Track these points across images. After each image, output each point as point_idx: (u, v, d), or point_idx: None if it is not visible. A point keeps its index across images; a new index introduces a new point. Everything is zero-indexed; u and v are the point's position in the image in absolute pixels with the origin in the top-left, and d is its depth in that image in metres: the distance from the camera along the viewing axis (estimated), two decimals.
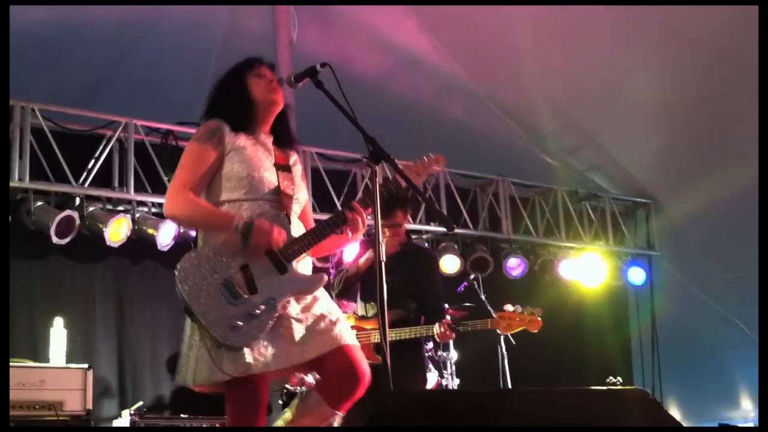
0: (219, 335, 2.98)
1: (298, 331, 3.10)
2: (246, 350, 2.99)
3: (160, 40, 7.24)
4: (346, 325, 3.24)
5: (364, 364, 3.14)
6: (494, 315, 5.20)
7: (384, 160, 2.97)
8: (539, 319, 5.03)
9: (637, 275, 9.13)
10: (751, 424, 9.15)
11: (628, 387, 5.58)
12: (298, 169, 3.41)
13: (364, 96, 7.16)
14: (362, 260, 5.12)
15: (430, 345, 6.26)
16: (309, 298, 3.20)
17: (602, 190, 9.28)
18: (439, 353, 6.40)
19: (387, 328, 2.80)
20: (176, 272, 3.05)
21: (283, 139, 3.41)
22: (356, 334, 4.84)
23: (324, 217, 3.35)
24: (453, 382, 6.41)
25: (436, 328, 4.95)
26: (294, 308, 3.14)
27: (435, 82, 8.09)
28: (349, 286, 5.17)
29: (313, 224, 3.36)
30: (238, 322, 2.99)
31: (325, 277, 3.23)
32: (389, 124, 7.14)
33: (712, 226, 8.57)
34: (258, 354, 3.00)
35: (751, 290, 8.70)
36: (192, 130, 6.73)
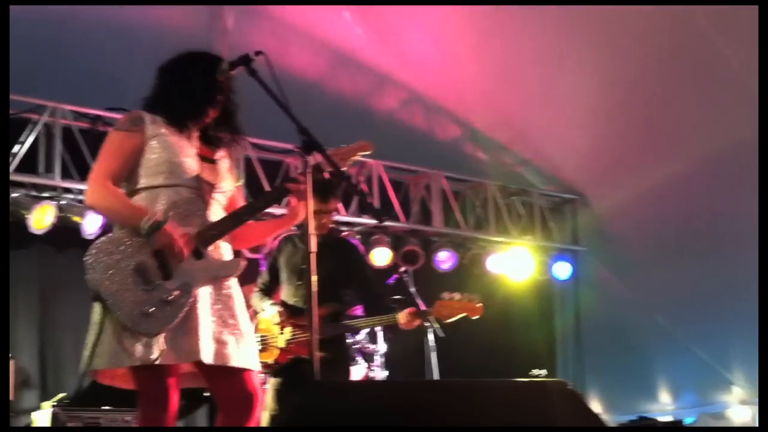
0: (130, 322, 2.91)
1: (206, 329, 3.02)
2: (154, 339, 2.92)
3: (93, 24, 7.06)
4: (252, 346, 3.17)
5: (258, 393, 3.11)
6: (424, 306, 5.21)
7: (316, 151, 2.97)
8: (479, 305, 5.01)
9: (562, 270, 9.32)
10: (669, 417, 9.43)
11: (549, 379, 5.67)
12: (224, 162, 3.34)
13: (300, 89, 7.15)
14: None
15: (360, 337, 6.28)
16: (223, 302, 3.12)
17: (531, 185, 9.43)
18: (368, 345, 6.43)
19: (315, 318, 2.80)
20: (86, 258, 2.97)
21: (214, 137, 3.32)
22: (294, 331, 4.84)
23: None
24: (381, 374, 6.45)
25: (401, 316, 4.91)
26: (206, 306, 3.07)
27: (370, 76, 8.11)
28: (275, 271, 5.11)
29: None
30: (151, 309, 2.92)
31: (243, 263, 3.16)
32: (324, 117, 7.13)
33: (635, 222, 8.81)
34: (166, 345, 2.94)
35: (672, 285, 9.01)
36: (118, 116, 6.66)
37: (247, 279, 3.56)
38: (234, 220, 3.19)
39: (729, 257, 8.24)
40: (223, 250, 3.21)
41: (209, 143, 3.31)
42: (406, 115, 8.32)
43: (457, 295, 4.97)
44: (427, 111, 8.38)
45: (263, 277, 5.14)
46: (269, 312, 4.89)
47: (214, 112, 3.25)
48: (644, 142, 7.96)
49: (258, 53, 3.06)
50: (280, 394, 4.77)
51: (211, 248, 3.12)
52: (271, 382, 4.87)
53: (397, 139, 8.14)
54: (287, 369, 4.79)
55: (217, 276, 3.11)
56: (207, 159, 3.26)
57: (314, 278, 2.86)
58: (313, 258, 2.85)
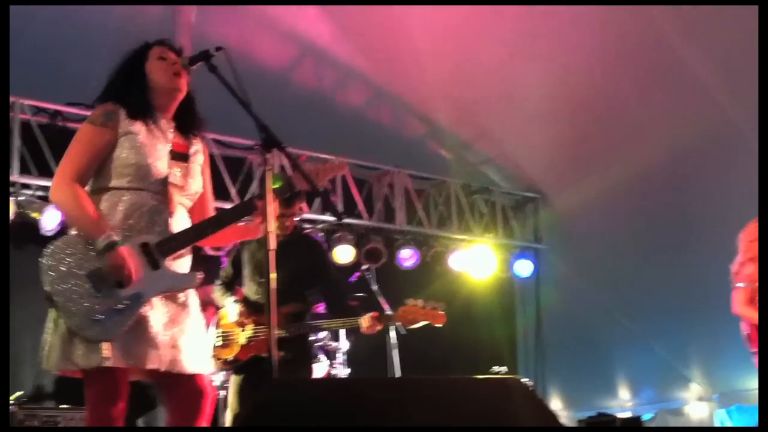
0: (77, 327, 2.89)
1: (158, 337, 3.00)
2: (101, 344, 2.89)
3: (54, 18, 6.96)
4: (204, 349, 3.17)
5: (208, 392, 3.11)
6: (386, 307, 5.24)
7: (277, 149, 2.96)
8: (442, 313, 5.05)
9: (524, 268, 9.39)
10: (628, 414, 9.55)
11: (504, 376, 5.73)
12: (198, 159, 3.31)
13: (265, 83, 7.15)
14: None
15: (322, 335, 6.28)
16: (178, 307, 3.10)
17: (494, 183, 9.49)
18: (330, 343, 6.43)
19: (274, 317, 2.80)
20: (41, 259, 2.94)
21: (187, 126, 3.30)
22: (255, 329, 4.82)
23: (218, 204, 3.29)
24: (343, 372, 6.45)
25: (364, 320, 4.91)
26: (161, 313, 3.04)
27: (336, 72, 8.09)
28: (238, 266, 5.09)
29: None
30: (99, 316, 2.90)
31: (200, 278, 3.13)
32: (289, 112, 7.12)
33: (596, 220, 8.90)
34: (113, 348, 2.90)
35: (631, 283, 9.12)
36: (83, 112, 6.58)
37: (209, 277, 3.54)
38: (196, 233, 3.16)
39: (688, 255, 8.36)
40: (183, 261, 3.18)
41: (184, 135, 3.28)
42: (370, 112, 8.33)
43: (421, 302, 5.01)
44: (391, 108, 8.39)
45: (226, 270, 5.11)
46: (231, 309, 4.87)
47: (172, 100, 3.23)
48: (605, 141, 8.04)
49: (218, 49, 3.04)
50: (242, 393, 4.76)
51: (169, 259, 3.08)
52: (233, 380, 4.86)
53: (360, 137, 8.15)
54: (248, 366, 4.78)
55: (171, 288, 3.08)
56: (180, 156, 3.22)
57: (273, 276, 2.86)
58: (272, 256, 2.85)
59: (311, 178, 3.17)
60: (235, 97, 2.95)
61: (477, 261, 9.08)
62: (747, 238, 5.83)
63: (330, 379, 6.15)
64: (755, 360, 5.65)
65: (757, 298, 5.66)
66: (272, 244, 2.86)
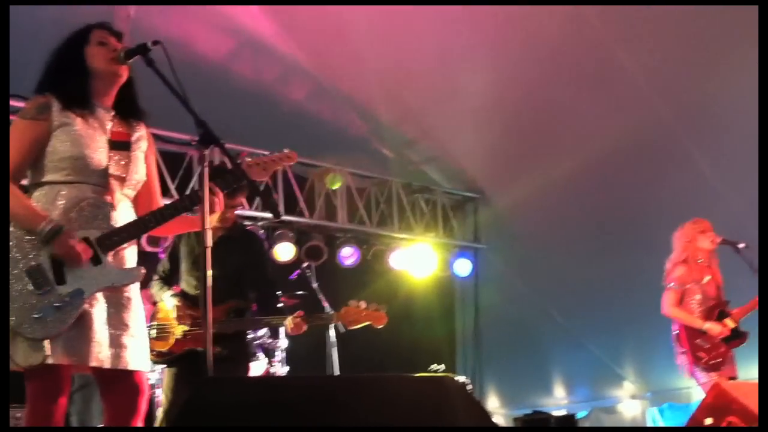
0: (16, 325, 2.83)
1: (101, 333, 2.95)
2: (43, 342, 2.84)
3: None
4: (144, 347, 3.12)
5: (144, 389, 3.09)
6: (326, 305, 5.24)
7: (214, 144, 2.93)
8: (383, 314, 5.06)
9: (463, 267, 9.47)
10: (563, 411, 9.71)
11: (439, 374, 5.79)
12: (141, 146, 3.23)
13: (205, 76, 7.07)
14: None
15: (261, 332, 6.25)
16: (121, 303, 3.06)
17: (435, 183, 9.55)
18: (269, 341, 6.40)
19: (210, 313, 2.77)
20: None
21: (128, 113, 3.22)
22: (192, 323, 4.77)
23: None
24: (282, 370, 6.43)
25: (288, 321, 4.89)
26: (103, 309, 3.00)
27: (278, 67, 8.03)
28: (176, 260, 5.04)
29: (156, 206, 3.23)
30: (39, 314, 2.84)
31: (142, 273, 3.09)
32: (229, 107, 7.05)
33: (533, 220, 9.03)
34: (55, 345, 2.85)
35: (567, 282, 9.28)
36: (16, 104, 6.40)
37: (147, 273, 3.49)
38: (139, 227, 3.11)
39: (623, 255, 8.52)
40: (126, 255, 3.13)
41: (125, 122, 3.21)
42: (312, 109, 8.29)
43: (363, 304, 5.04)
44: (333, 106, 8.37)
45: (163, 264, 5.05)
46: (168, 302, 4.82)
47: (111, 85, 3.16)
48: (543, 142, 8.15)
49: (155, 43, 2.98)
50: (176, 386, 4.72)
51: (111, 254, 3.03)
52: (167, 373, 4.81)
53: (302, 133, 8.10)
54: (182, 360, 4.73)
55: (113, 284, 3.03)
56: (121, 145, 3.15)
57: (210, 273, 2.83)
58: (208, 253, 2.82)
59: (248, 175, 3.14)
60: (173, 92, 2.91)
61: (417, 260, 9.13)
62: (683, 239, 5.96)
63: (266, 377, 6.12)
64: (682, 359, 5.80)
65: (687, 299, 5.82)
66: (209, 241, 2.83)
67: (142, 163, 3.23)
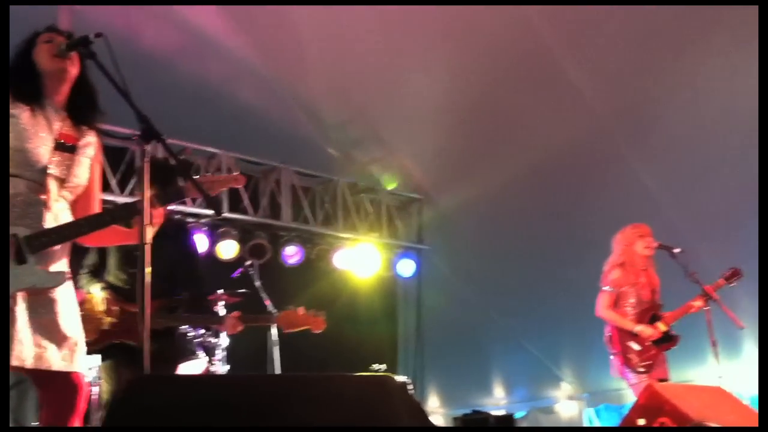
0: None
1: (23, 332, 2.90)
2: None
3: None
4: (75, 348, 3.06)
5: (82, 388, 3.05)
6: (268, 304, 5.22)
7: (156, 140, 2.90)
8: (322, 319, 5.06)
9: (406, 267, 9.51)
10: (502, 411, 9.82)
11: (379, 373, 5.84)
12: (88, 152, 3.18)
13: (151, 71, 6.97)
14: None
15: (202, 330, 6.19)
16: (46, 305, 2.99)
17: (380, 183, 9.57)
18: (209, 339, 6.34)
19: (148, 311, 2.75)
20: None
21: (80, 117, 3.17)
22: (121, 316, 4.71)
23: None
24: (222, 369, 6.37)
25: (223, 320, 4.87)
26: (24, 308, 2.93)
27: (225, 64, 7.96)
28: (104, 251, 4.96)
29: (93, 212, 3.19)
30: None
31: (67, 278, 3.03)
32: (175, 102, 6.97)
33: (475, 222, 9.12)
34: None
35: (507, 284, 9.39)
36: None
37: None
38: (71, 230, 3.05)
39: (562, 257, 8.66)
40: (54, 258, 3.05)
41: (76, 126, 3.16)
42: (258, 107, 8.24)
43: (302, 309, 5.05)
44: (280, 104, 8.33)
45: (92, 258, 4.97)
46: (97, 294, 4.75)
47: (59, 83, 3.11)
48: (487, 145, 8.23)
49: (98, 35, 2.94)
50: (109, 378, 4.69)
51: (39, 255, 2.96)
52: (102, 366, 4.76)
53: (247, 131, 8.06)
54: (109, 352, 4.68)
55: (35, 286, 2.95)
56: (67, 147, 3.10)
57: (149, 270, 2.80)
58: (147, 250, 2.79)
59: (204, 189, 3.14)
60: (114, 86, 2.87)
61: (361, 260, 9.15)
62: (622, 242, 6.07)
63: (206, 376, 6.06)
64: (614, 361, 5.91)
65: (622, 302, 5.93)
66: (148, 237, 2.80)
67: (86, 168, 3.18)
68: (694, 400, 4.09)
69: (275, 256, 8.61)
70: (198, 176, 3.30)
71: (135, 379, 2.46)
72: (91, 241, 3.28)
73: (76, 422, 3.04)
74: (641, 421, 4.00)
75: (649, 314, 5.87)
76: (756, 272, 6.10)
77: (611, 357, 5.91)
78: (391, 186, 8.84)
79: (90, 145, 3.21)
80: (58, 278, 3.01)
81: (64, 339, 3.01)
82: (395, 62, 7.58)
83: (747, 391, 8.89)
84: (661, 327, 5.81)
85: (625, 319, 5.85)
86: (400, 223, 9.74)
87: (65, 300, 3.07)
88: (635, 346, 5.78)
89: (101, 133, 3.28)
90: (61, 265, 3.08)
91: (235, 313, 4.93)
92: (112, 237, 3.33)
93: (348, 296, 9.30)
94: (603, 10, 6.48)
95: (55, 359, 2.96)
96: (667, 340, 5.83)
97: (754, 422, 3.97)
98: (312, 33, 7.49)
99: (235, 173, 3.41)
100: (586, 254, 7.27)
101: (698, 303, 5.77)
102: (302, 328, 5.05)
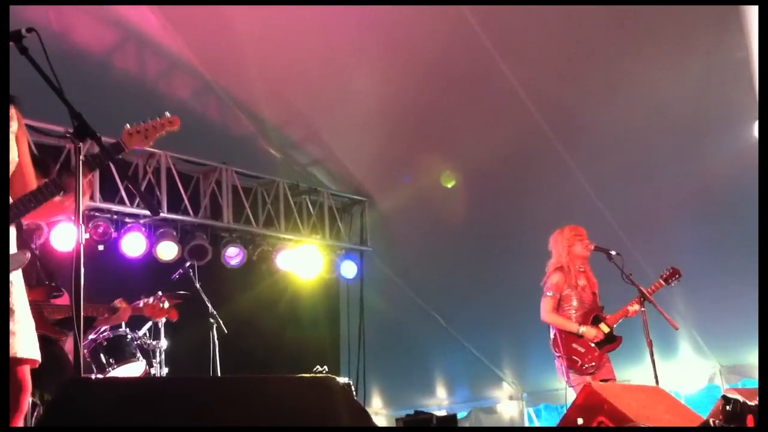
0: None
1: None
2: None
3: None
4: (31, 335, 3.03)
5: (27, 385, 3.01)
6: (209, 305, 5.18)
7: (90, 138, 2.84)
8: (169, 308, 5.43)
9: (349, 269, 9.50)
10: (444, 412, 9.88)
11: (320, 375, 5.85)
12: (11, 126, 3.13)
13: (86, 69, 6.81)
14: None
15: (141, 332, 6.08)
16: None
17: (322, 185, 9.54)
18: (148, 341, 6.24)
19: (81, 312, 2.69)
20: None
21: None
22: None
23: None
24: (162, 371, 6.27)
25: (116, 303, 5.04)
26: None
27: (163, 62, 7.83)
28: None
29: (32, 187, 3.14)
30: None
31: (27, 257, 3.01)
32: (111, 100, 6.82)
33: (416, 224, 9.15)
34: None
35: (448, 286, 9.45)
36: None
37: None
38: (20, 208, 3.03)
39: (503, 259, 8.75)
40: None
41: None
42: (197, 106, 8.12)
43: (151, 299, 5.37)
44: (219, 104, 8.23)
45: None
46: None
47: None
48: (428, 147, 8.27)
49: (30, 30, 2.87)
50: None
51: None
52: None
53: (187, 131, 7.91)
54: None
55: None
56: None
57: (80, 272, 2.74)
58: (80, 249, 2.73)
59: (112, 154, 3.12)
60: (47, 82, 2.81)
61: (304, 261, 9.10)
62: (560, 244, 6.12)
63: (145, 378, 5.96)
64: (558, 363, 5.98)
65: (565, 305, 6.00)
66: (82, 236, 2.74)
67: (13, 143, 3.12)
68: (632, 400, 4.15)
69: (216, 257, 8.51)
70: (132, 126, 3.23)
71: (70, 381, 2.40)
72: (34, 215, 3.23)
73: (20, 422, 3.00)
74: (580, 420, 4.05)
75: (591, 316, 5.95)
76: (690, 273, 6.26)
77: (556, 359, 5.96)
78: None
79: (11, 119, 3.15)
80: (19, 259, 2.99)
81: (22, 324, 2.97)
82: (335, 63, 7.55)
83: (683, 390, 9.12)
84: (604, 328, 5.89)
85: (569, 321, 5.91)
86: (342, 225, 9.72)
87: (21, 285, 3.03)
88: (579, 348, 5.85)
89: (34, 131, 3.20)
90: (13, 246, 3.03)
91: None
92: (49, 209, 3.28)
93: (290, 298, 9.26)
94: (538, 10, 6.53)
95: (20, 346, 2.93)
96: (610, 341, 5.92)
97: (692, 422, 4.05)
98: (251, 33, 7.40)
99: (167, 115, 3.36)
100: (525, 256, 7.35)
101: (636, 307, 5.87)
102: (163, 317, 5.50)
